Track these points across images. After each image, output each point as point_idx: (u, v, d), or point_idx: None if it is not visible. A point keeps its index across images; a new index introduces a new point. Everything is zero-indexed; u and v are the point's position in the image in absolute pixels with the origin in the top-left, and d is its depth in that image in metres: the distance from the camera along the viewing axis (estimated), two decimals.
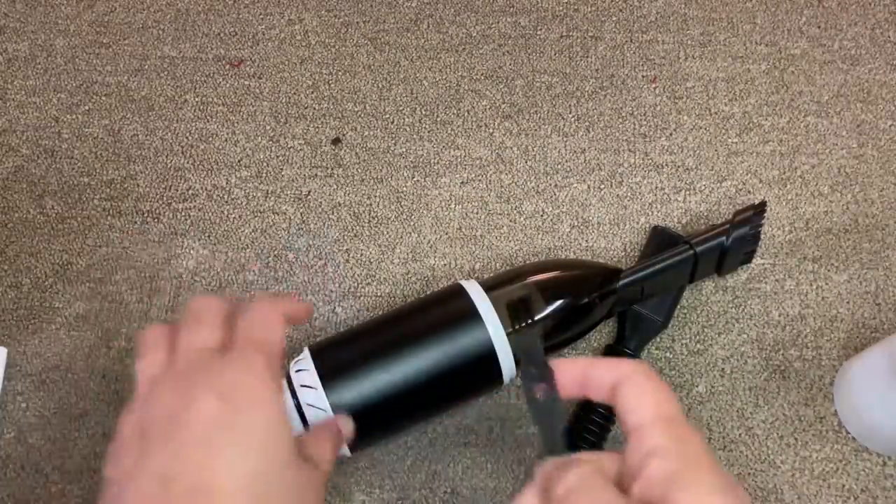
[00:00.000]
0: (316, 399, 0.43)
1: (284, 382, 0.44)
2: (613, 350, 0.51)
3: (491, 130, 0.60)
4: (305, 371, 0.44)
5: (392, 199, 0.58)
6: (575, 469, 0.30)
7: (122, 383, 0.52)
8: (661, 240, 0.54)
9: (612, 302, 0.49)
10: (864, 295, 0.53)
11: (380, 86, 0.62)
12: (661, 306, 0.51)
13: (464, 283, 0.47)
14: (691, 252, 0.49)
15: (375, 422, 0.45)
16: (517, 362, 0.45)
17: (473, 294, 0.46)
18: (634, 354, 0.50)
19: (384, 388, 0.44)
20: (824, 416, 0.50)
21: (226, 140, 0.60)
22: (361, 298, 0.54)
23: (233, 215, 0.57)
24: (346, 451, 0.45)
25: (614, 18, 0.64)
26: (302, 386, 0.44)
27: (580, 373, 0.34)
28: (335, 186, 0.58)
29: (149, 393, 0.35)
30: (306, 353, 0.46)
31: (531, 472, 0.44)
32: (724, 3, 0.64)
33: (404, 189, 0.58)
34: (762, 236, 0.55)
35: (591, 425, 0.48)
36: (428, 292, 0.54)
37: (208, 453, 0.31)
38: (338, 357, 0.45)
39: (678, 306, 0.52)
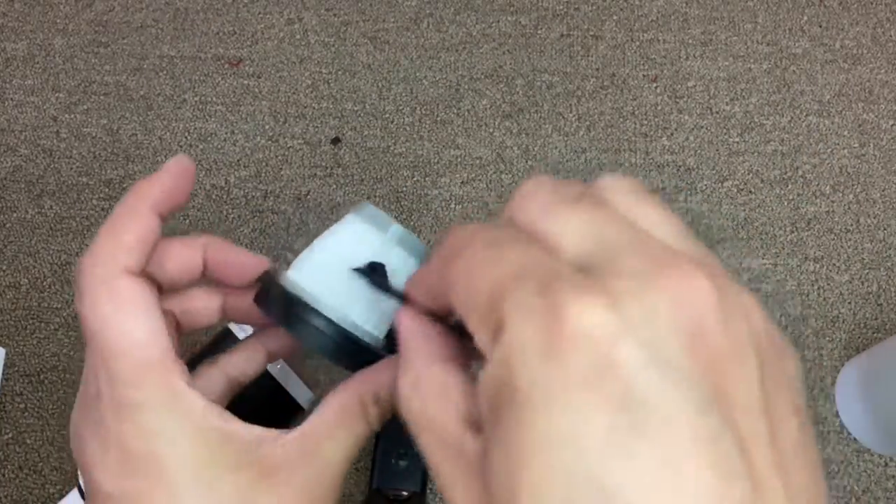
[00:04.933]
0: None
1: (77, 493, 0.42)
2: None
3: (491, 130, 0.60)
4: None
5: (392, 199, 0.57)
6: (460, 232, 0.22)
7: None
8: None
9: None
10: (866, 295, 0.53)
11: (379, 85, 0.62)
12: None
13: (232, 326, 0.46)
14: None
15: None
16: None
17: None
18: None
19: None
20: (826, 416, 0.50)
21: (225, 140, 0.60)
22: None
23: (232, 215, 0.57)
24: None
25: (615, 17, 0.64)
26: None
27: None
28: (335, 186, 0.58)
29: None
30: None
31: None
32: (726, 3, 0.64)
33: (404, 189, 0.58)
34: (764, 236, 0.55)
35: None
36: None
37: None
38: None
39: None
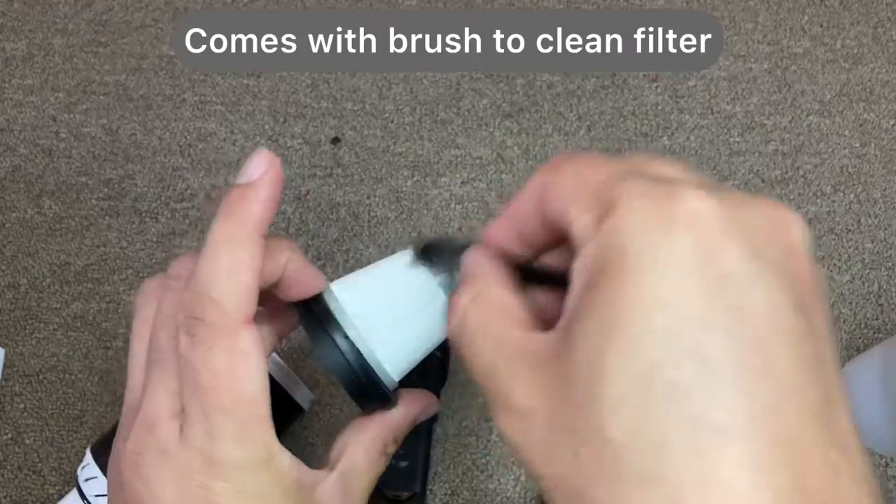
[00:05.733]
0: None
1: (76, 494, 0.42)
2: None
3: (491, 129, 0.60)
4: (94, 479, 0.41)
5: (392, 198, 0.57)
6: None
7: (121, 385, 0.52)
8: None
9: None
10: (867, 296, 0.53)
11: (379, 85, 0.62)
12: None
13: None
14: None
15: None
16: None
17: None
18: None
19: None
20: None
21: (224, 139, 0.60)
22: None
23: None
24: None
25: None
26: (97, 496, 0.40)
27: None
28: (334, 186, 0.58)
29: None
30: (88, 456, 0.42)
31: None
32: (726, 2, 0.64)
33: (404, 189, 0.58)
34: None
35: None
36: None
37: None
38: None
39: None
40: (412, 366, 0.29)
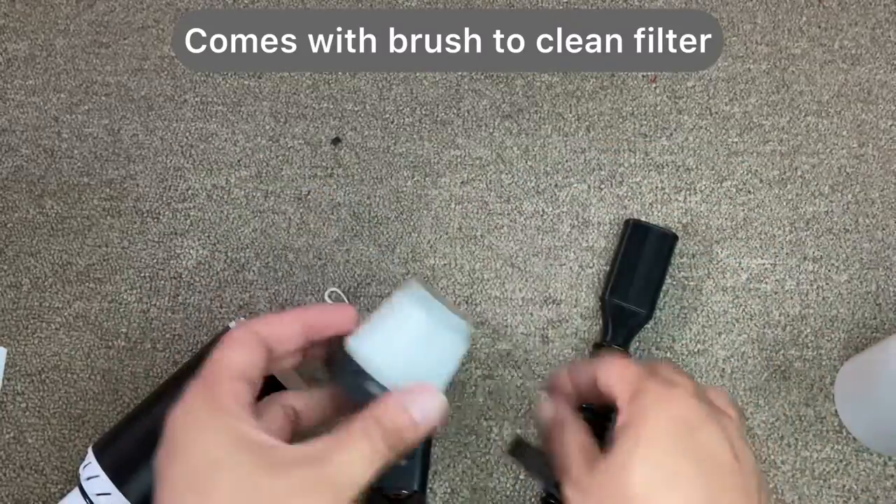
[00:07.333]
0: None
1: (78, 493, 0.42)
2: (601, 347, 0.51)
3: (491, 130, 0.60)
4: (96, 478, 0.42)
5: (392, 199, 0.58)
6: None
7: (122, 383, 0.52)
8: (635, 233, 0.54)
9: None
10: (865, 295, 0.53)
11: (380, 85, 0.62)
12: (644, 297, 0.51)
13: (231, 325, 0.46)
14: None
15: None
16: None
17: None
18: (623, 349, 0.50)
19: None
20: (825, 416, 0.50)
21: (225, 140, 0.60)
22: (362, 299, 0.54)
23: (232, 215, 0.57)
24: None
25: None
26: (98, 494, 0.41)
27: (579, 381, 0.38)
28: (335, 186, 0.58)
29: None
30: (90, 455, 0.43)
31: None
32: (725, 3, 0.64)
33: (404, 189, 0.58)
34: (763, 236, 0.55)
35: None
36: None
37: None
38: (125, 450, 0.43)
39: (661, 296, 0.53)
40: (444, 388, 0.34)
